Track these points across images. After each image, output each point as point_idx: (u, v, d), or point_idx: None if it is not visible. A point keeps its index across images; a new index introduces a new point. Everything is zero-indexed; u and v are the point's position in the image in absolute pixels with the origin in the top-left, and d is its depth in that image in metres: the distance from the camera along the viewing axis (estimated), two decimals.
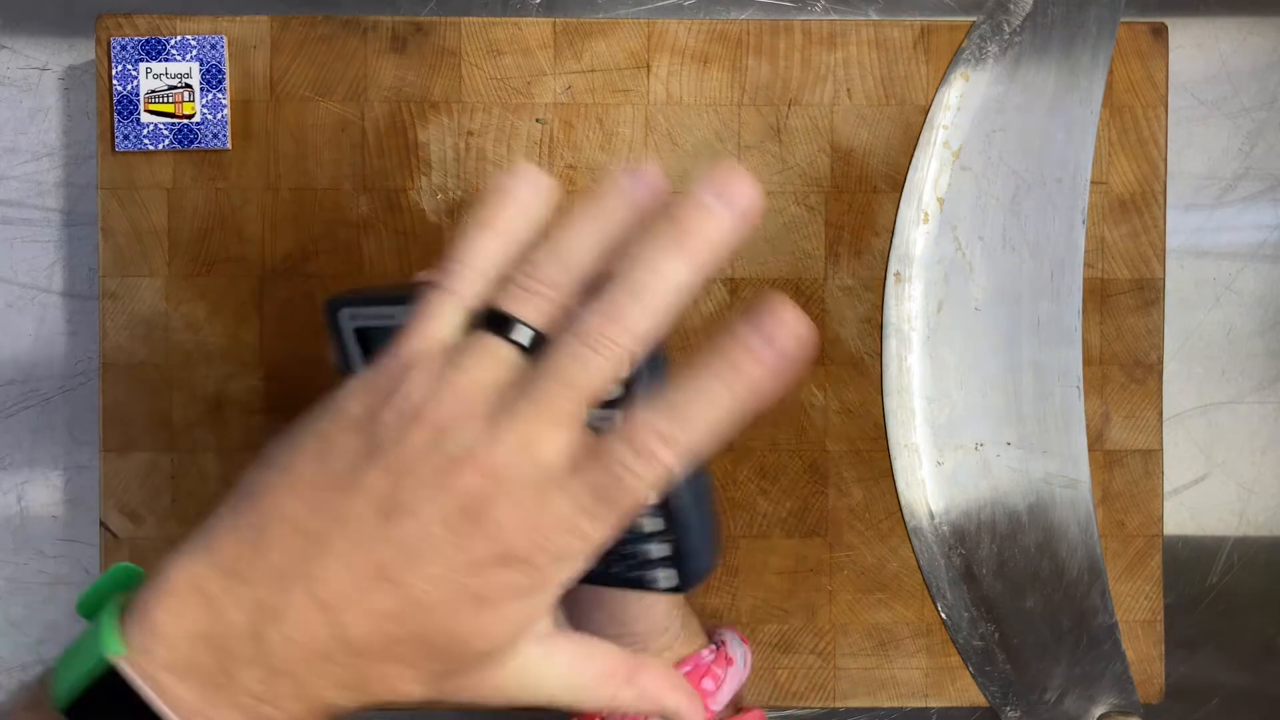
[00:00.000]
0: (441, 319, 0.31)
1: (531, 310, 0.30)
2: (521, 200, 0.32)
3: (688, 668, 0.47)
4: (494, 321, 0.30)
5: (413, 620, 0.29)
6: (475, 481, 0.29)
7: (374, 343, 0.45)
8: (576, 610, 0.44)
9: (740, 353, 0.29)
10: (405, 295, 0.41)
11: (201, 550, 0.30)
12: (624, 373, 0.30)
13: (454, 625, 0.30)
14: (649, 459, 0.29)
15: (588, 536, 0.30)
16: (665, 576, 0.39)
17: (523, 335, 0.30)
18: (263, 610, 0.29)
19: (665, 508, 0.37)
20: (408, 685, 0.31)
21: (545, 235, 0.32)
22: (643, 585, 0.39)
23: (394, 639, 0.29)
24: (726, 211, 0.30)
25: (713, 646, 0.48)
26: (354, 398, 0.31)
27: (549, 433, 0.30)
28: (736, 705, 0.50)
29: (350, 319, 0.41)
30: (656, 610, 0.46)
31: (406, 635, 0.29)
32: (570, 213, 0.32)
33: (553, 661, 0.33)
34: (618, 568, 0.39)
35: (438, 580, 0.29)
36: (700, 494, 0.38)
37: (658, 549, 0.38)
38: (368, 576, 0.29)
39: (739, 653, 0.48)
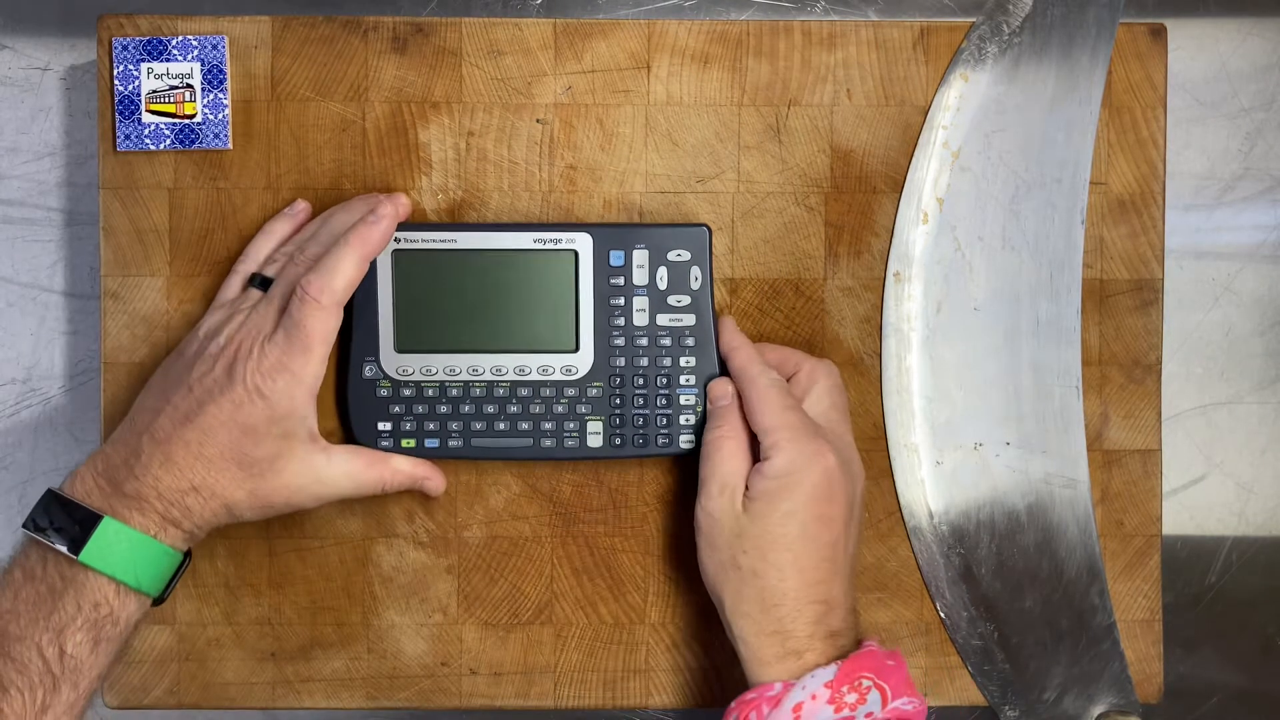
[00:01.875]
0: (232, 286, 0.56)
1: (272, 269, 0.54)
2: (284, 216, 0.57)
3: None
4: (253, 280, 0.55)
5: (211, 443, 0.49)
6: (229, 357, 0.50)
7: (407, 266, 0.55)
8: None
9: (359, 225, 0.51)
10: (443, 224, 0.57)
11: (111, 435, 0.52)
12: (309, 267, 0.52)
13: (239, 443, 0.50)
14: (305, 301, 0.50)
15: (293, 370, 0.49)
16: (687, 441, 0.56)
17: (262, 283, 0.54)
18: (129, 451, 0.50)
19: (696, 389, 0.56)
20: (232, 491, 0.50)
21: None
22: (670, 450, 0.56)
23: (206, 457, 0.49)
24: (385, 205, 0.52)
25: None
26: (190, 335, 0.53)
27: (271, 315, 0.51)
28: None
29: (391, 241, 0.54)
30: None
31: (213, 455, 0.50)
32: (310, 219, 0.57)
33: (333, 463, 0.52)
34: (654, 437, 0.56)
35: (218, 416, 0.49)
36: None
37: (685, 420, 0.56)
38: (181, 423, 0.50)
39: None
